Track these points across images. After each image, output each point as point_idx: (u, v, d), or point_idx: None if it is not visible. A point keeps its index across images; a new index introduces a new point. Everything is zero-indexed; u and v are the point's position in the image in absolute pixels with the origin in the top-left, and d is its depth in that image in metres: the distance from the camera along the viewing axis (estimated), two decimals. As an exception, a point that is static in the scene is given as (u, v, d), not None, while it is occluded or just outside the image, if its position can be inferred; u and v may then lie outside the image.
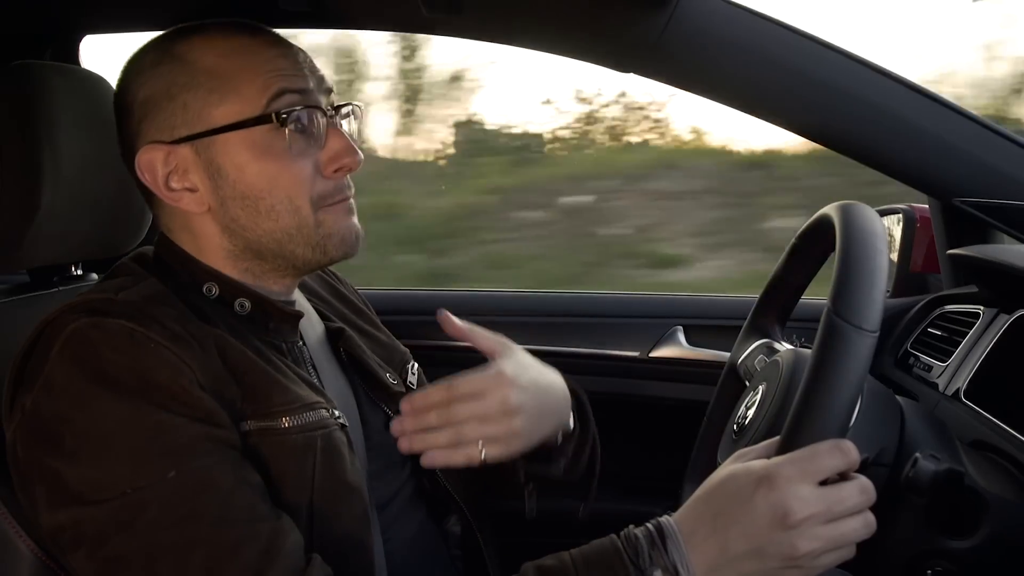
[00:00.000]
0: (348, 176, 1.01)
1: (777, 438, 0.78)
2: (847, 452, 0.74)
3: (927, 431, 0.93)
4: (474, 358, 1.13)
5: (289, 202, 0.95)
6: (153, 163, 0.96)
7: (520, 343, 1.42)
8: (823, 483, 0.74)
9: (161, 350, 0.84)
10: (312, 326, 1.11)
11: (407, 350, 1.27)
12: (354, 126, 1.05)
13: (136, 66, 0.98)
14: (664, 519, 0.79)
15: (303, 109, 0.95)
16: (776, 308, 1.20)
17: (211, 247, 0.99)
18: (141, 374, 0.82)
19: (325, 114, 0.97)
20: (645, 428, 1.68)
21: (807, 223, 1.09)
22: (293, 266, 1.01)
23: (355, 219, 1.01)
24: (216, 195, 0.96)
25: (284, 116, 0.93)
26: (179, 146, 0.95)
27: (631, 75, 1.31)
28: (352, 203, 1.01)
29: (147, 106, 0.96)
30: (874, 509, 0.76)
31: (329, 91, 1.00)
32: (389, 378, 1.14)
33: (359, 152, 0.99)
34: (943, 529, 0.88)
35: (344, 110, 1.02)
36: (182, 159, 0.96)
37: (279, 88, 0.94)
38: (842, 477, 0.75)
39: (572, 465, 1.14)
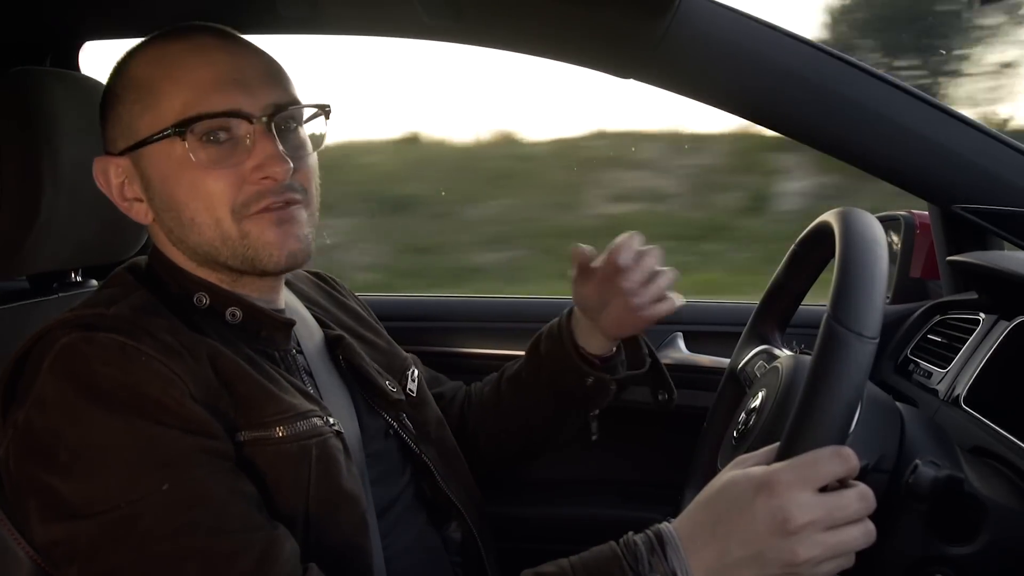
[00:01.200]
0: (290, 182, 0.95)
1: (777, 444, 0.78)
2: (847, 458, 0.74)
3: (927, 437, 0.92)
4: (470, 365, 1.14)
5: (208, 213, 0.94)
6: (106, 173, 0.98)
7: (522, 350, 1.43)
8: (823, 490, 0.74)
9: (152, 363, 0.84)
10: (310, 334, 1.10)
11: (408, 356, 1.27)
12: (310, 129, 1.02)
13: (108, 77, 1.00)
14: (663, 525, 0.79)
15: (214, 119, 0.92)
16: (776, 314, 1.20)
17: (175, 255, 1.00)
18: (133, 387, 0.82)
19: (251, 121, 0.93)
20: (645, 434, 1.68)
21: (807, 229, 1.08)
22: (243, 275, 0.99)
23: (290, 231, 0.96)
24: (152, 206, 0.97)
25: (182, 129, 0.91)
26: (120, 158, 0.97)
27: (631, 80, 1.31)
28: (289, 212, 0.96)
29: (102, 117, 0.99)
30: (874, 515, 0.76)
31: (273, 96, 0.95)
32: (388, 385, 1.14)
33: (287, 161, 0.93)
34: (943, 535, 0.88)
35: (284, 114, 0.96)
36: (125, 170, 0.97)
37: (191, 101, 0.92)
38: (842, 484, 0.75)
39: (632, 358, 1.28)
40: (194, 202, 0.94)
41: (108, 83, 0.99)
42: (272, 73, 0.98)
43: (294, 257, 0.97)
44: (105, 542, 0.79)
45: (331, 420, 0.97)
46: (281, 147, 0.94)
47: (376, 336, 1.24)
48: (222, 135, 0.93)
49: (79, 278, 1.32)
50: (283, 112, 0.96)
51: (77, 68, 1.48)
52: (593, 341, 1.22)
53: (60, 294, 1.24)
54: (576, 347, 1.22)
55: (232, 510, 0.82)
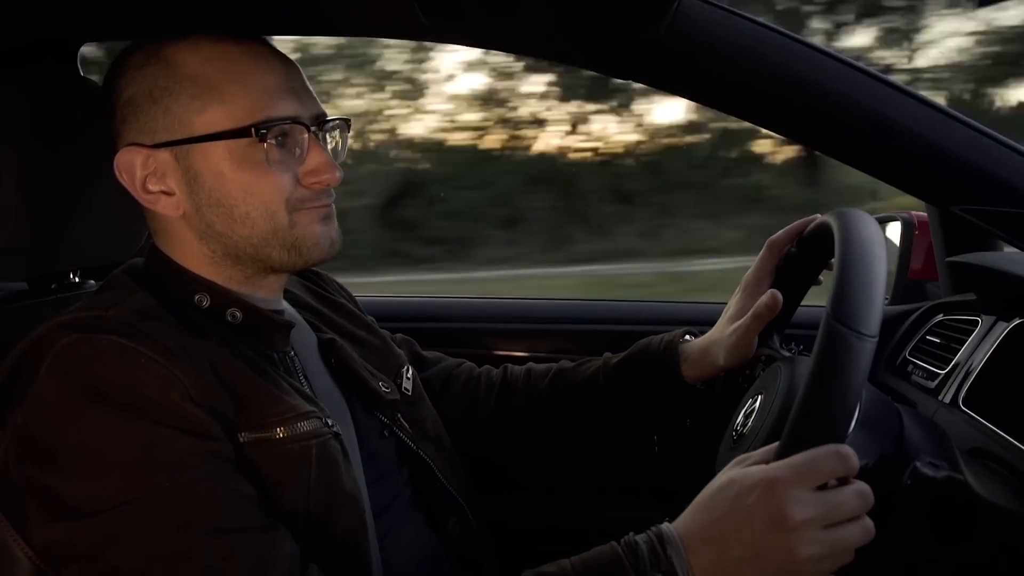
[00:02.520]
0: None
1: (776, 443, 0.78)
2: (846, 458, 0.74)
3: (926, 438, 0.92)
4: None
5: (264, 208, 0.96)
6: (132, 165, 0.96)
7: (524, 351, 1.43)
8: (821, 488, 0.74)
9: (152, 364, 0.84)
10: (303, 338, 1.10)
11: (402, 353, 1.27)
12: (339, 139, 1.06)
13: (122, 65, 0.98)
14: (664, 525, 0.80)
15: (284, 124, 0.95)
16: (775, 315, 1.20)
17: (192, 253, 1.00)
18: (132, 388, 0.82)
19: (308, 129, 0.97)
20: (644, 433, 1.68)
21: (807, 230, 1.08)
22: (271, 268, 1.01)
23: (332, 226, 1.01)
24: (192, 200, 0.96)
25: (264, 131, 0.93)
26: (159, 150, 0.95)
27: (629, 80, 1.31)
28: (331, 210, 1.01)
29: (129, 107, 0.96)
30: (872, 516, 0.76)
31: (315, 106, 1.00)
32: (382, 386, 1.14)
33: (338, 168, 0.99)
34: (941, 537, 0.88)
35: (329, 124, 1.02)
36: (161, 163, 0.96)
37: (260, 104, 0.94)
38: (840, 482, 0.75)
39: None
40: (251, 198, 0.96)
41: (138, 75, 0.96)
42: (310, 85, 1.02)
43: (334, 248, 1.02)
44: (104, 542, 0.79)
45: (329, 421, 0.97)
46: (330, 155, 0.99)
47: (370, 334, 1.25)
48: (285, 140, 0.96)
49: (77, 279, 1.31)
50: (327, 123, 1.01)
51: (76, 69, 1.48)
52: (698, 368, 1.22)
53: (58, 295, 1.24)
54: (685, 385, 1.23)
55: (231, 511, 0.82)
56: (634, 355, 1.27)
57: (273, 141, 0.94)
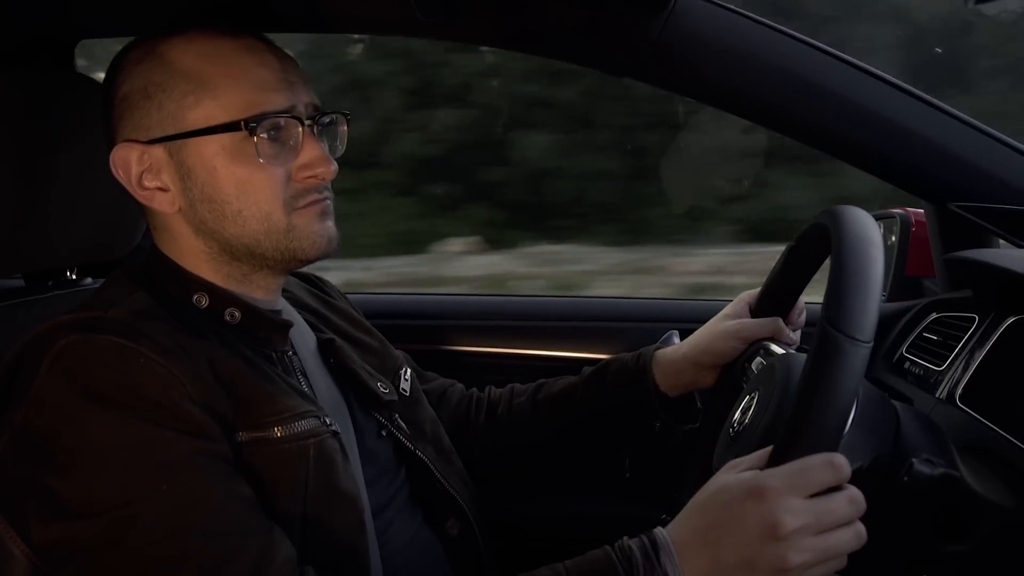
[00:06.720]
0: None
1: (770, 448, 0.78)
2: (839, 468, 0.74)
3: (923, 435, 0.92)
4: (461, 363, 1.13)
5: (257, 207, 0.95)
6: (128, 161, 0.96)
7: (514, 348, 1.43)
8: (814, 494, 0.74)
9: (151, 364, 0.84)
10: (303, 338, 1.11)
11: (400, 355, 1.27)
12: (338, 133, 1.05)
13: (121, 61, 0.98)
14: (658, 531, 0.80)
15: (276, 118, 0.94)
16: (773, 310, 1.20)
17: (190, 250, 1.00)
18: (131, 389, 0.82)
19: (302, 123, 0.96)
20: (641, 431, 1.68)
21: (804, 226, 1.08)
22: (268, 267, 1.01)
23: (330, 222, 1.01)
24: (186, 196, 0.96)
25: (254, 125, 0.92)
26: (153, 146, 0.95)
27: (627, 79, 1.31)
28: (328, 205, 1.01)
29: (125, 103, 0.96)
30: (869, 513, 0.76)
31: (311, 99, 0.99)
32: (380, 386, 1.14)
33: (333, 162, 0.98)
34: (938, 533, 0.88)
35: (324, 119, 1.01)
36: (155, 159, 0.96)
37: (254, 99, 0.94)
38: (833, 487, 0.75)
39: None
40: (245, 196, 0.95)
41: (134, 71, 0.96)
42: (307, 77, 1.01)
43: (331, 245, 1.01)
44: (102, 543, 0.79)
45: (328, 420, 0.97)
46: (326, 149, 0.98)
47: (368, 336, 1.25)
48: (279, 134, 0.95)
49: (74, 276, 1.31)
50: (321, 116, 1.00)
51: (73, 66, 1.48)
52: (673, 382, 1.24)
53: (55, 292, 1.24)
54: (657, 390, 1.23)
55: (228, 513, 0.82)
56: (608, 367, 1.29)
57: (265, 135, 0.94)
